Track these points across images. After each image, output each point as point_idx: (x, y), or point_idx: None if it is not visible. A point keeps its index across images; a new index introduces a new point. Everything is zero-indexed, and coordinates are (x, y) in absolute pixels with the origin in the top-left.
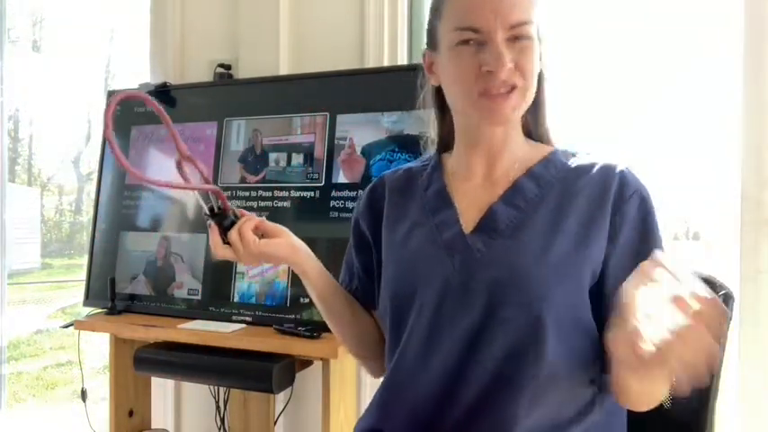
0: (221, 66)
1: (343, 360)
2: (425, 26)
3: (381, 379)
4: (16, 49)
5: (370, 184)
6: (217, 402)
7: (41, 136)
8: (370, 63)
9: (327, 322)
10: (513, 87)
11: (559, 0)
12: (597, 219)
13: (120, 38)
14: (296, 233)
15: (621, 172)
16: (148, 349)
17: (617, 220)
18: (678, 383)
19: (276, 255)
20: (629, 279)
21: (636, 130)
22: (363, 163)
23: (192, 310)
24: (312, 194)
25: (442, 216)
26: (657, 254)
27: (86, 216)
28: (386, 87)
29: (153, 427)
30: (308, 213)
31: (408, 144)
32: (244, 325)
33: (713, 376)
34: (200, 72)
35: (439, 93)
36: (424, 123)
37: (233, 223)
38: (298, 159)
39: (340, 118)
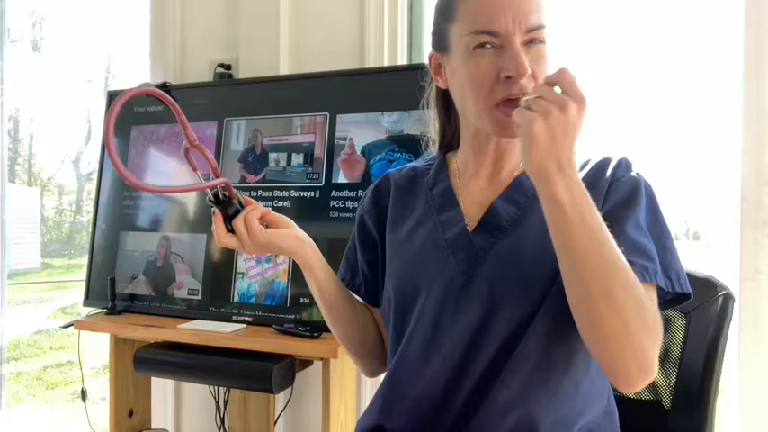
0: (221, 66)
1: (343, 360)
2: (426, 26)
3: (382, 377)
4: (16, 49)
5: (375, 182)
6: (217, 402)
7: (41, 136)
8: (370, 63)
9: (326, 319)
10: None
11: (561, 0)
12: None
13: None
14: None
15: (618, 160)
16: (148, 349)
17: (605, 200)
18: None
19: (282, 245)
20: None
21: (636, 130)
22: (363, 163)
23: (192, 310)
24: (312, 194)
25: (446, 215)
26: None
27: (86, 216)
28: (386, 87)
29: (153, 427)
30: (308, 213)
31: (408, 144)
32: (244, 325)
33: (713, 376)
34: (200, 72)
35: (444, 95)
36: (424, 123)
37: (238, 212)
38: (298, 159)
39: (340, 118)
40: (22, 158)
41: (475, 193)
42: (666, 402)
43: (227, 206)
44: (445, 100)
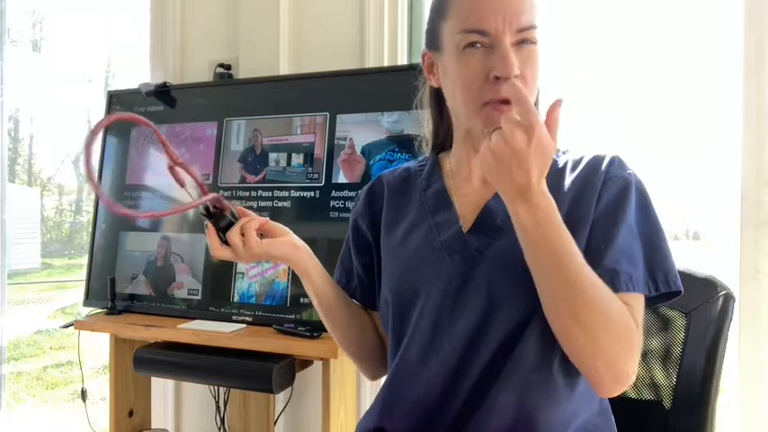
0: (221, 66)
1: (343, 360)
2: (425, 26)
3: (382, 379)
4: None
5: (368, 184)
6: (217, 402)
7: (41, 136)
8: (370, 63)
9: (325, 323)
10: None
11: (562, 1)
12: (586, 207)
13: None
14: (296, 233)
15: (611, 158)
16: (148, 349)
17: (598, 200)
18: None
19: (277, 254)
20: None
21: (636, 130)
22: (363, 163)
23: (192, 310)
24: (312, 194)
25: (441, 216)
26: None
27: (86, 216)
28: (386, 87)
29: (153, 427)
30: (308, 213)
31: (408, 144)
32: (244, 325)
33: (713, 376)
34: (200, 72)
35: (437, 94)
36: (420, 124)
37: (231, 223)
38: (298, 159)
39: (340, 118)
40: (22, 158)
41: (469, 194)
42: (667, 402)
43: (219, 218)
44: (438, 99)
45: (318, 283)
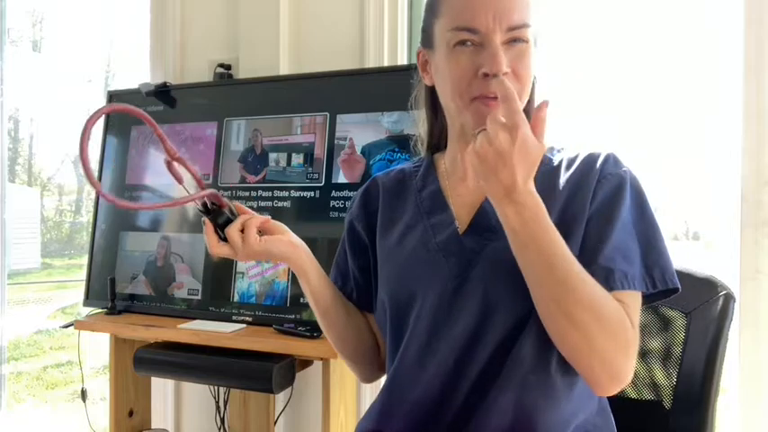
0: (221, 66)
1: (343, 360)
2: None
3: (382, 379)
4: (16, 49)
5: (363, 186)
6: (217, 402)
7: (41, 136)
8: (370, 63)
9: (321, 324)
10: None
11: (561, 0)
12: (581, 206)
13: (121, 38)
14: (296, 233)
15: (606, 155)
16: (148, 349)
17: (593, 198)
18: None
19: (275, 252)
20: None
21: (636, 130)
22: (363, 163)
23: (192, 310)
24: (312, 194)
25: (436, 218)
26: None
27: (86, 216)
28: (386, 87)
29: (153, 427)
30: (308, 213)
31: (408, 144)
32: (244, 325)
33: (714, 377)
34: (200, 72)
35: (432, 93)
36: (416, 124)
37: (228, 220)
38: (298, 159)
39: (340, 118)
40: (22, 158)
41: (464, 195)
42: (667, 402)
43: (216, 215)
44: (432, 98)
45: (316, 284)
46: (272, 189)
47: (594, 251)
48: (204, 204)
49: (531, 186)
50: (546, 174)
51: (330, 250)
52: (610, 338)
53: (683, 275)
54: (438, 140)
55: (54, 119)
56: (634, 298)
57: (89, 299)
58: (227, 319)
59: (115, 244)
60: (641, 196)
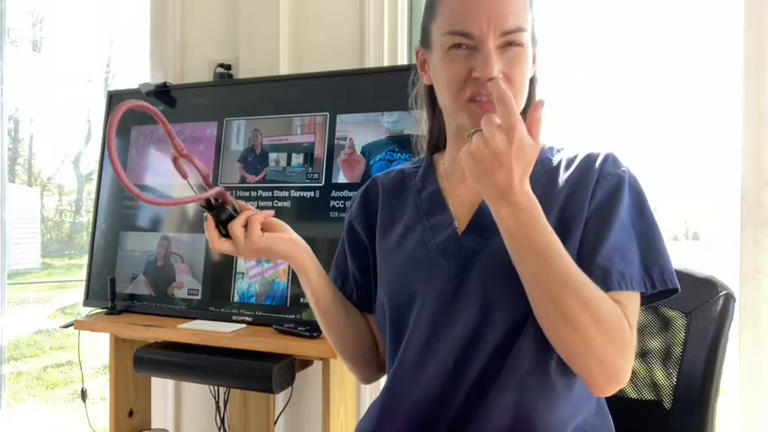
0: (221, 66)
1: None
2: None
3: (383, 380)
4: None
5: (363, 186)
6: (217, 402)
7: (41, 136)
8: (370, 63)
9: (321, 323)
10: None
11: (560, 0)
12: (580, 206)
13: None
14: (296, 233)
15: (605, 155)
16: (148, 349)
17: (591, 198)
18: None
19: (277, 249)
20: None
21: (636, 131)
22: (363, 163)
23: (192, 310)
24: (312, 194)
25: (436, 218)
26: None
27: (86, 216)
28: (386, 87)
29: (153, 427)
30: (308, 213)
31: (408, 144)
32: (244, 325)
33: (714, 377)
34: (201, 72)
35: (431, 92)
36: (417, 123)
37: (231, 217)
38: (298, 159)
39: (340, 118)
40: (22, 158)
41: (464, 195)
42: (667, 402)
43: (219, 212)
44: (431, 97)
45: (316, 282)
46: (272, 189)
47: (592, 251)
48: (207, 200)
49: (527, 187)
50: (545, 173)
51: (330, 250)
52: (607, 339)
53: (683, 275)
54: (437, 140)
55: (54, 119)
56: (632, 298)
57: (89, 299)
58: (227, 319)
59: (115, 244)
60: (640, 196)
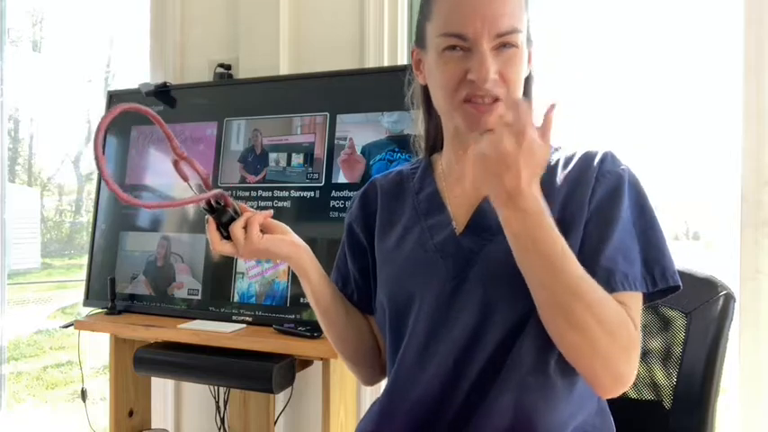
0: (221, 66)
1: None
2: None
3: (380, 383)
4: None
5: (362, 189)
6: (217, 402)
7: (41, 136)
8: (370, 63)
9: (322, 324)
10: (497, 99)
11: (560, 0)
12: (580, 205)
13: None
14: (296, 233)
15: (604, 153)
16: (148, 349)
17: (591, 197)
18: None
19: (277, 251)
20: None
21: (636, 131)
22: (363, 163)
23: (192, 310)
24: (312, 194)
25: (434, 219)
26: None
27: (86, 216)
28: (386, 87)
29: (153, 427)
30: (308, 213)
31: (408, 144)
32: (244, 325)
33: (714, 377)
34: (201, 72)
35: (426, 92)
36: (414, 123)
37: (232, 219)
38: (298, 159)
39: (340, 118)
40: (22, 158)
41: (462, 196)
42: (667, 402)
43: (220, 214)
44: (427, 97)
45: (316, 283)
46: (272, 189)
47: (596, 252)
48: (209, 203)
49: (536, 190)
50: (548, 169)
51: (330, 250)
52: (612, 341)
53: (684, 275)
54: (435, 141)
55: (54, 119)
56: (635, 298)
57: (89, 299)
58: (227, 319)
59: (115, 244)
60: (640, 194)
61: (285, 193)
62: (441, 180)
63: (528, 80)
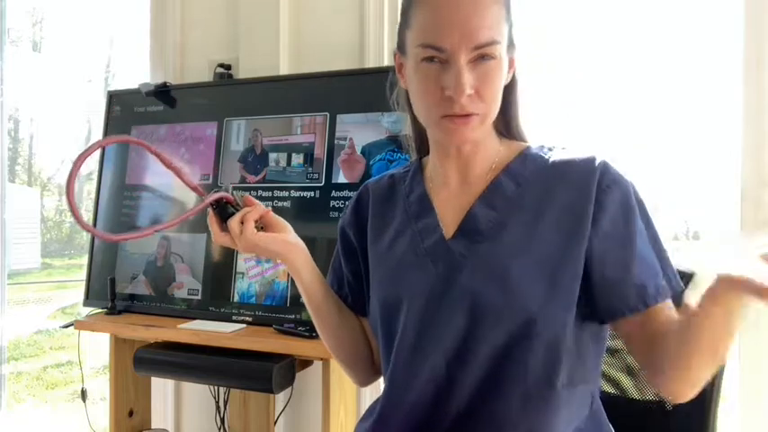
0: (221, 66)
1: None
2: None
3: (381, 380)
4: (16, 49)
5: (356, 193)
6: (217, 402)
7: (41, 136)
8: (370, 63)
9: (315, 323)
10: (472, 113)
11: (561, 1)
12: (579, 213)
13: (121, 38)
14: (296, 233)
15: (601, 163)
16: (148, 349)
17: (598, 210)
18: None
19: (268, 248)
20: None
21: (636, 131)
22: (363, 163)
23: (192, 310)
24: (312, 194)
25: (423, 222)
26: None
27: (86, 216)
28: (386, 87)
29: (153, 427)
30: (308, 213)
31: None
32: (244, 325)
33: (714, 378)
34: (201, 72)
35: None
36: (405, 125)
37: (233, 213)
38: (298, 159)
39: (340, 118)
40: (22, 158)
41: (448, 199)
42: (668, 403)
43: (222, 209)
44: (410, 100)
45: (308, 282)
46: (272, 189)
47: (625, 271)
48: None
49: None
50: (541, 171)
51: (330, 250)
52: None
53: (684, 275)
54: (422, 142)
55: (54, 119)
56: (669, 306)
57: (89, 299)
58: (227, 319)
59: (115, 244)
60: (643, 205)
61: (285, 193)
62: (429, 182)
63: (511, 86)
